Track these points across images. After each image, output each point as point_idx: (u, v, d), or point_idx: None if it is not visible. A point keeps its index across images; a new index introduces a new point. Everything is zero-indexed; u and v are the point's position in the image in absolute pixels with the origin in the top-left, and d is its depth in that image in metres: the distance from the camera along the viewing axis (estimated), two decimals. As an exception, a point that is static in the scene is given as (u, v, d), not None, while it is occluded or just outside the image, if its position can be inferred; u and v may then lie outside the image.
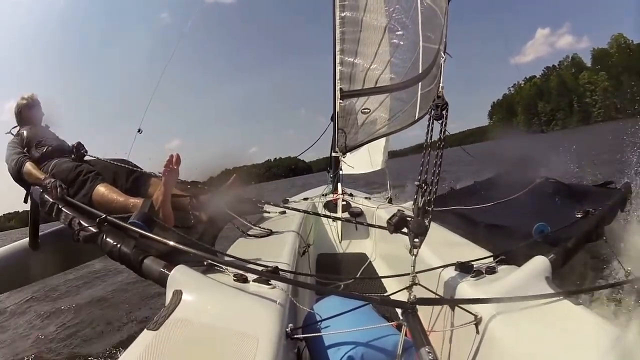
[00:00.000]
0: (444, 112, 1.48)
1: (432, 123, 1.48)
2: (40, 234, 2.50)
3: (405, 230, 1.27)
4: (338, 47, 3.39)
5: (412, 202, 1.33)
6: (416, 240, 1.22)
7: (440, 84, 1.73)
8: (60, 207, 1.91)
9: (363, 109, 3.45)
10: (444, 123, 1.48)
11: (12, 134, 2.59)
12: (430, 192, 1.30)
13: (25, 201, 2.42)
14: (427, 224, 1.25)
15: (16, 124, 2.65)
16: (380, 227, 2.56)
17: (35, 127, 2.61)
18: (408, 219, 1.27)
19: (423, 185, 1.31)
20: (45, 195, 2.03)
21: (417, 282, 1.20)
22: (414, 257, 1.21)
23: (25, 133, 2.52)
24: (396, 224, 1.27)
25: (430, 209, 1.28)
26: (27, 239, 2.50)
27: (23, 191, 2.42)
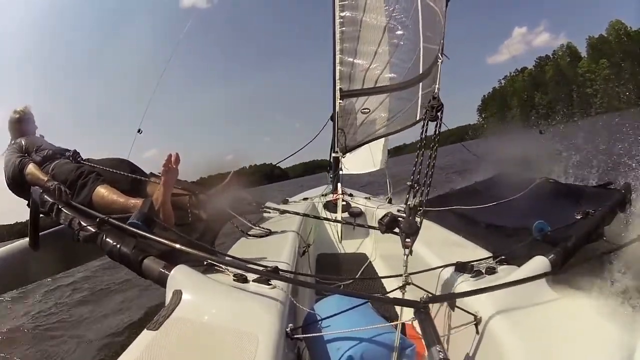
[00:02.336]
0: (438, 113, 1.48)
1: (427, 124, 1.49)
2: (40, 234, 2.50)
3: (397, 230, 1.27)
4: (338, 47, 3.39)
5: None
6: (408, 240, 1.21)
7: (437, 85, 1.74)
8: (60, 207, 1.91)
9: (363, 109, 3.45)
10: (438, 124, 1.48)
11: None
12: (422, 193, 1.30)
13: (29, 206, 2.41)
14: (418, 224, 1.24)
15: (10, 138, 2.65)
16: (372, 227, 2.57)
17: (30, 137, 2.63)
18: (399, 219, 1.27)
19: (415, 185, 1.32)
20: (46, 196, 2.03)
21: (410, 282, 1.20)
22: (406, 257, 1.21)
23: (23, 141, 2.54)
24: (387, 224, 1.27)
25: (421, 209, 1.28)
26: (27, 238, 2.50)
27: (5, 205, 2.40)
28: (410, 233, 1.22)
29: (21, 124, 2.64)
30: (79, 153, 2.53)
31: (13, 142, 2.59)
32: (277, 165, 4.40)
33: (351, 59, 3.39)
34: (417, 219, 1.27)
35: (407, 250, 1.21)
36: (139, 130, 3.65)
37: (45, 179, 2.15)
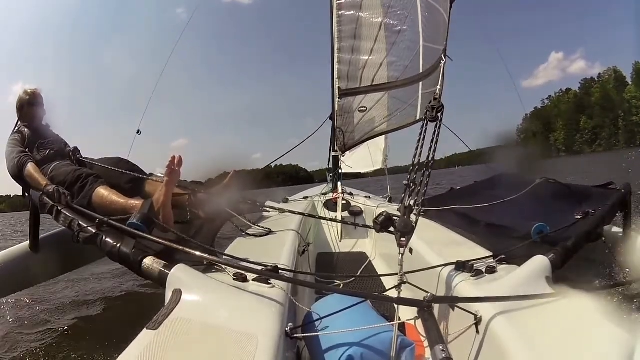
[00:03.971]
0: (439, 114, 1.48)
1: (426, 124, 1.49)
2: (40, 236, 2.50)
3: (392, 229, 1.27)
4: (336, 46, 3.39)
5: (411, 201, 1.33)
6: (403, 239, 1.21)
7: (439, 87, 1.74)
8: (59, 209, 1.90)
9: (360, 108, 3.46)
10: (438, 125, 1.49)
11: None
12: (418, 192, 1.31)
13: (24, 196, 2.42)
14: (413, 223, 1.25)
15: (17, 119, 2.60)
16: (368, 226, 2.56)
17: (36, 125, 2.60)
18: (394, 218, 1.27)
19: (411, 184, 1.33)
20: (45, 198, 2.03)
21: (405, 280, 1.20)
22: (401, 255, 1.21)
23: (26, 132, 2.51)
24: (382, 223, 1.29)
25: (417, 208, 1.29)
26: (28, 241, 2.50)
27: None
28: (405, 232, 1.21)
29: (31, 106, 2.58)
30: (79, 150, 2.53)
31: (18, 128, 2.55)
32: (268, 166, 4.36)
33: (349, 57, 3.39)
34: (413, 218, 1.27)
35: (402, 249, 1.21)
36: (138, 132, 3.63)
37: (44, 182, 2.15)
